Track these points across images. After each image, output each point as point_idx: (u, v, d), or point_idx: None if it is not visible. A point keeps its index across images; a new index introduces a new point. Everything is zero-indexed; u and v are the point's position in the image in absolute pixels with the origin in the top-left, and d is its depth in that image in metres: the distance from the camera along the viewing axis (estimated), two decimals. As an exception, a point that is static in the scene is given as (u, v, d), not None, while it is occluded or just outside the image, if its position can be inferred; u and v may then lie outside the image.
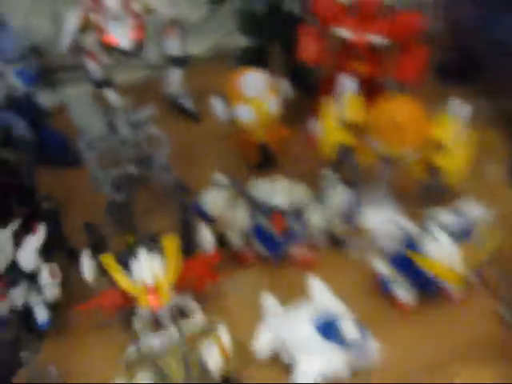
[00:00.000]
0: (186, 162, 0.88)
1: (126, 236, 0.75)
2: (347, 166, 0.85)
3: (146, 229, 0.82)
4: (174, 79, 1.00)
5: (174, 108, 1.05)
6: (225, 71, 1.03)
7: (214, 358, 0.67)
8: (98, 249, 0.73)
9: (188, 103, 1.05)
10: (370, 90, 0.83)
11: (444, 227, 0.75)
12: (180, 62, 0.97)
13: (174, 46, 0.94)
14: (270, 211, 0.77)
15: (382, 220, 0.82)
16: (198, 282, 0.76)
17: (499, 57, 1.02)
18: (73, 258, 0.79)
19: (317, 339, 0.70)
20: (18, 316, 0.74)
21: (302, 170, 0.92)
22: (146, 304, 0.69)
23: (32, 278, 0.75)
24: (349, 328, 0.70)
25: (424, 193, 0.85)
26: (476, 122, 0.85)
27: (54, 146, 0.97)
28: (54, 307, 0.76)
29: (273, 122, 0.88)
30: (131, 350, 0.67)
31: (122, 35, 0.83)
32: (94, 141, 0.74)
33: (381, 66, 0.86)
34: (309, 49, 0.87)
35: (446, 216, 0.76)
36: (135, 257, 0.71)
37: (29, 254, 0.73)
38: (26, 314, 0.75)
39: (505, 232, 0.84)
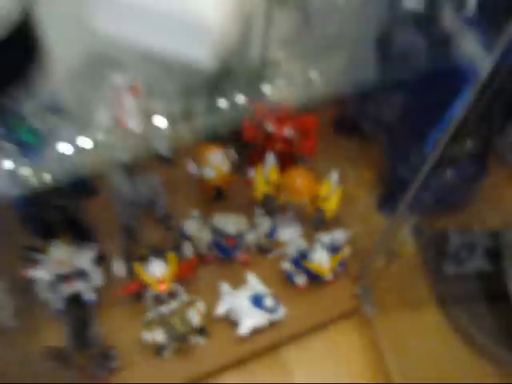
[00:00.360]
0: (169, 198, 1.42)
1: (140, 249, 1.30)
2: (270, 205, 1.41)
3: (149, 243, 1.37)
4: (161, 140, 1.53)
5: (155, 156, 1.58)
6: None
7: (195, 318, 1.24)
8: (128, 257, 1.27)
9: (166, 152, 1.58)
10: (285, 161, 1.40)
11: (323, 244, 1.33)
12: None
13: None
14: (225, 234, 1.34)
15: (290, 238, 1.41)
16: (183, 276, 1.31)
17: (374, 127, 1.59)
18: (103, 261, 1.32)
19: (251, 307, 1.27)
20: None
21: (242, 203, 1.48)
22: (158, 289, 1.24)
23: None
24: (269, 300, 1.28)
25: (315, 222, 1.44)
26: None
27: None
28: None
29: (225, 174, 1.43)
30: (150, 315, 1.23)
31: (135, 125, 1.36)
32: (125, 197, 1.28)
33: (291, 145, 1.43)
34: (248, 133, 1.42)
35: (325, 237, 1.35)
36: (149, 261, 1.26)
37: (88, 261, 1.26)
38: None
39: (368, 240, 1.44)
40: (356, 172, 1.49)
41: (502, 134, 1.49)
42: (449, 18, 0.79)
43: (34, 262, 1.23)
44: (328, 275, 1.33)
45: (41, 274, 1.22)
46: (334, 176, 1.36)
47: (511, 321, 1.39)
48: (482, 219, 1.51)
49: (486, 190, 1.55)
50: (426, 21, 0.82)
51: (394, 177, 1.50)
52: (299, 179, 1.33)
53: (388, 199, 1.57)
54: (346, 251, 1.35)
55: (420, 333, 1.39)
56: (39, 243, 1.26)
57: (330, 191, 1.36)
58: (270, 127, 1.37)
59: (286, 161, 1.40)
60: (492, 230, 1.50)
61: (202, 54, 0.65)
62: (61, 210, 1.26)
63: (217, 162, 1.36)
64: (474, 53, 0.79)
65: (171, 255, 1.25)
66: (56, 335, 1.23)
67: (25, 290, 1.25)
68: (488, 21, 0.80)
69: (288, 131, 1.37)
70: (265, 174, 1.38)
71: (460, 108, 0.92)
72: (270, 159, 1.36)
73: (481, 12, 0.81)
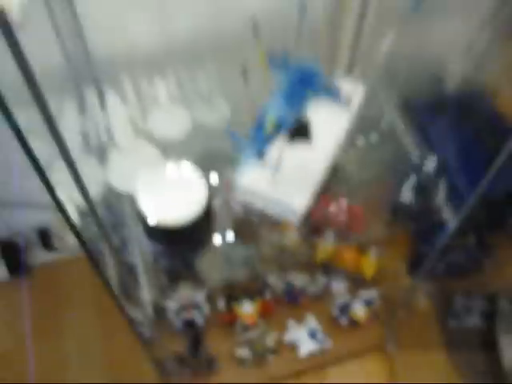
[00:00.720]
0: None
1: (237, 291, 1.93)
2: (326, 268, 2.02)
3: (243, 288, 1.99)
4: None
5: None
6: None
7: (270, 342, 1.86)
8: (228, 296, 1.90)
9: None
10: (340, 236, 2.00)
11: (362, 299, 1.93)
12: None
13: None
14: (294, 286, 1.95)
15: (339, 291, 2.00)
16: (264, 312, 1.93)
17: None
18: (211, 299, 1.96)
19: (308, 338, 1.88)
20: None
21: (308, 263, 2.09)
22: (247, 321, 1.86)
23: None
24: (320, 334, 1.89)
25: (357, 282, 2.03)
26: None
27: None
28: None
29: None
30: (240, 337, 1.85)
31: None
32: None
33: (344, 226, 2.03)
34: (315, 216, 2.03)
35: (364, 294, 1.94)
36: (242, 301, 1.88)
37: (201, 297, 1.90)
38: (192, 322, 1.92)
39: (395, 296, 2.01)
40: (391, 246, 2.07)
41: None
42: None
43: (167, 295, 1.88)
44: (363, 320, 1.92)
45: (171, 303, 1.87)
46: (374, 251, 1.95)
47: (498, 366, 1.92)
48: (484, 285, 2.06)
49: (492, 263, 2.09)
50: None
51: (418, 252, 2.07)
52: (348, 253, 1.93)
53: (414, 267, 2.13)
54: (378, 304, 1.94)
55: (428, 369, 1.95)
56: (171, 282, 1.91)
57: (370, 261, 1.96)
58: (331, 212, 1.98)
59: (340, 237, 2.00)
60: (490, 295, 2.04)
61: (294, 218, 1.28)
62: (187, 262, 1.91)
63: (292, 235, 1.98)
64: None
65: (257, 298, 1.88)
66: (178, 344, 1.88)
67: (160, 312, 1.90)
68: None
69: (343, 216, 1.97)
70: (324, 245, 1.98)
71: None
72: (329, 235, 1.97)
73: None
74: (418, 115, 1.62)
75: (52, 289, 2.19)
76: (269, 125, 0.91)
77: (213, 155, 1.50)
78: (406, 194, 1.31)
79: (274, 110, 0.91)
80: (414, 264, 2.10)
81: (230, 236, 1.62)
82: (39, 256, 2.19)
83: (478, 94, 1.72)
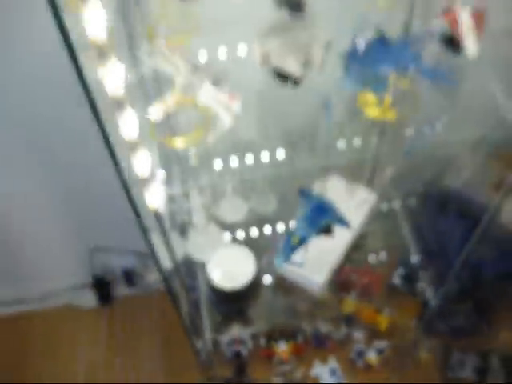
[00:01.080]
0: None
1: (274, 333, 2.44)
2: (349, 319, 2.51)
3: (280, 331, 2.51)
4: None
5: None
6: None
7: (299, 375, 2.36)
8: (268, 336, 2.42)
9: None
10: (361, 296, 2.49)
11: (375, 348, 2.41)
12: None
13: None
14: (321, 332, 2.45)
15: (358, 339, 2.49)
16: (296, 352, 2.44)
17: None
18: (254, 337, 2.48)
19: (329, 375, 2.38)
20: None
21: (335, 316, 2.58)
22: (282, 357, 2.37)
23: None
24: (338, 372, 2.38)
25: (372, 333, 2.51)
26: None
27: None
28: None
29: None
30: (276, 369, 2.37)
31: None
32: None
33: (365, 288, 2.52)
34: (341, 277, 2.54)
35: (377, 343, 2.42)
36: (279, 341, 2.40)
37: (246, 334, 2.43)
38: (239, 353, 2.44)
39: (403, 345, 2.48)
40: (401, 307, 2.55)
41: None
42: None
43: (221, 331, 2.42)
44: (375, 365, 2.41)
45: (224, 337, 2.41)
46: (387, 310, 2.44)
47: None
48: (479, 344, 2.50)
49: (488, 327, 2.54)
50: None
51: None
52: (367, 310, 2.43)
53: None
54: (388, 352, 2.42)
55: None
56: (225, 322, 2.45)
57: (384, 318, 2.44)
58: (354, 277, 2.49)
59: (362, 296, 2.50)
60: (484, 352, 2.48)
61: (317, 289, 1.79)
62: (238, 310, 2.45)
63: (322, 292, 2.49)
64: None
65: (291, 340, 2.40)
66: (227, 370, 2.41)
67: (215, 344, 2.44)
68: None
69: (364, 280, 2.48)
70: (349, 302, 2.49)
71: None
72: (352, 295, 2.47)
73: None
74: (420, 208, 2.11)
75: (130, 316, 2.78)
76: (293, 240, 1.44)
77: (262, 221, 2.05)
78: (397, 280, 1.81)
79: (298, 231, 1.44)
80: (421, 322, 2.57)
81: (272, 290, 2.13)
82: (122, 290, 2.79)
83: (477, 193, 2.17)
